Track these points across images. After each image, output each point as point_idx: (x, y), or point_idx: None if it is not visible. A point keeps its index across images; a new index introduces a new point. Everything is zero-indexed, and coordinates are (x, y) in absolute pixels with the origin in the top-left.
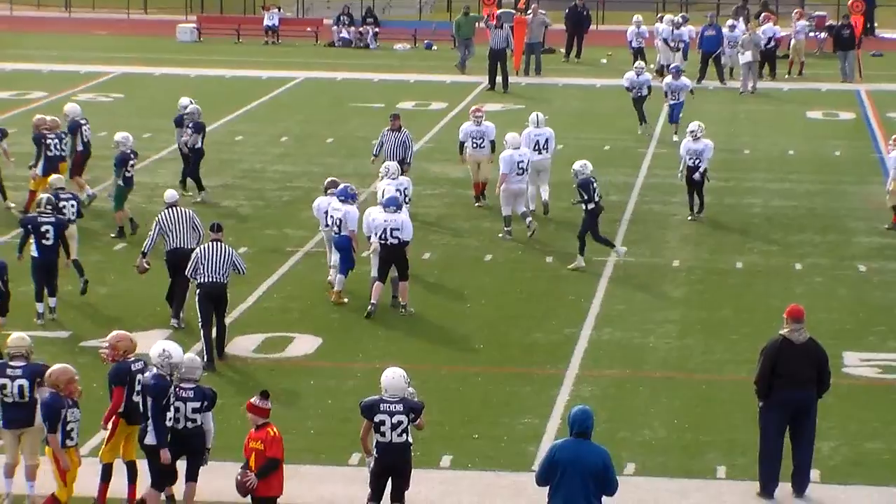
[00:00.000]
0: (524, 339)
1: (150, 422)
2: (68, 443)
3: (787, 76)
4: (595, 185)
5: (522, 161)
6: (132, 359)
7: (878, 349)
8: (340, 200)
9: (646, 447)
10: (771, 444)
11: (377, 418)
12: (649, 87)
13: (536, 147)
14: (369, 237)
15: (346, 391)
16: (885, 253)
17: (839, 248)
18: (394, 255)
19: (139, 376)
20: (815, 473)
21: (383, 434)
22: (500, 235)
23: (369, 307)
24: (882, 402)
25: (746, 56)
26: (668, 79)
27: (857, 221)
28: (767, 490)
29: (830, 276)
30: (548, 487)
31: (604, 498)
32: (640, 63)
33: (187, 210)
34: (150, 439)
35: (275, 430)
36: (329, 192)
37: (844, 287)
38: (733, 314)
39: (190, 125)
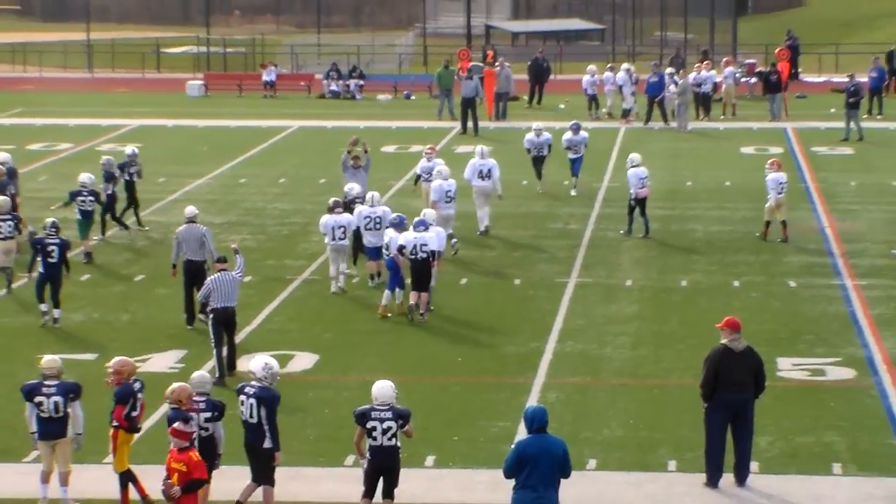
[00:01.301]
0: (497, 352)
1: (266, 428)
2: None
3: (721, 117)
4: None
5: (451, 190)
6: (132, 380)
7: (808, 355)
8: (394, 226)
9: (605, 445)
10: (715, 440)
11: (369, 424)
12: (549, 147)
13: (481, 175)
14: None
15: (341, 401)
16: (812, 270)
17: (771, 267)
18: (422, 268)
19: (139, 394)
20: (754, 465)
21: (375, 438)
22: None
23: (409, 315)
24: (812, 401)
25: (680, 99)
26: (568, 134)
27: (787, 244)
28: (713, 481)
29: (764, 292)
30: (513, 479)
31: None
32: (538, 124)
33: (201, 227)
34: (267, 444)
35: (196, 454)
36: (336, 210)
37: (777, 301)
38: (679, 327)
39: (105, 174)
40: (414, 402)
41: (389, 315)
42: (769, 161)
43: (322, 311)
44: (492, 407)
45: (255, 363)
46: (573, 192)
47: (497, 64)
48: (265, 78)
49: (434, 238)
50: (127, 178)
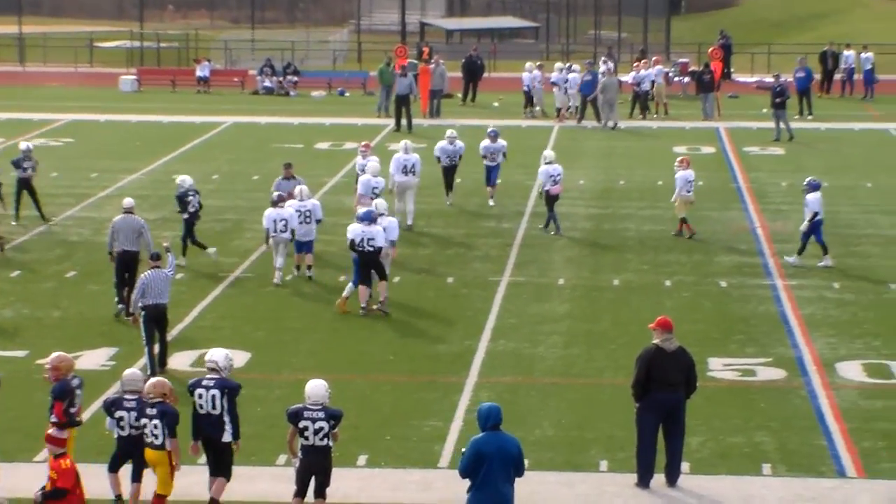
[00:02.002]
0: (429, 350)
1: (227, 419)
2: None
3: (654, 115)
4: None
5: (377, 187)
6: (71, 376)
7: (738, 355)
8: (370, 222)
9: (537, 445)
10: (646, 440)
11: (301, 424)
12: (461, 156)
13: (405, 170)
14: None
15: (274, 399)
16: (743, 270)
17: (703, 267)
18: (370, 261)
19: (77, 391)
20: (685, 465)
21: (307, 438)
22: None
23: (360, 311)
24: (742, 401)
25: (605, 97)
26: (486, 142)
27: (718, 243)
28: (644, 481)
29: (695, 292)
30: (469, 478)
31: None
32: (451, 131)
33: (139, 218)
34: (227, 436)
35: (69, 461)
36: (279, 205)
37: (708, 301)
38: (611, 326)
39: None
40: (346, 401)
41: (349, 311)
42: (678, 159)
43: (254, 308)
44: (424, 406)
45: (216, 354)
46: (491, 203)
47: (432, 61)
48: (199, 73)
49: (380, 232)
50: (22, 173)
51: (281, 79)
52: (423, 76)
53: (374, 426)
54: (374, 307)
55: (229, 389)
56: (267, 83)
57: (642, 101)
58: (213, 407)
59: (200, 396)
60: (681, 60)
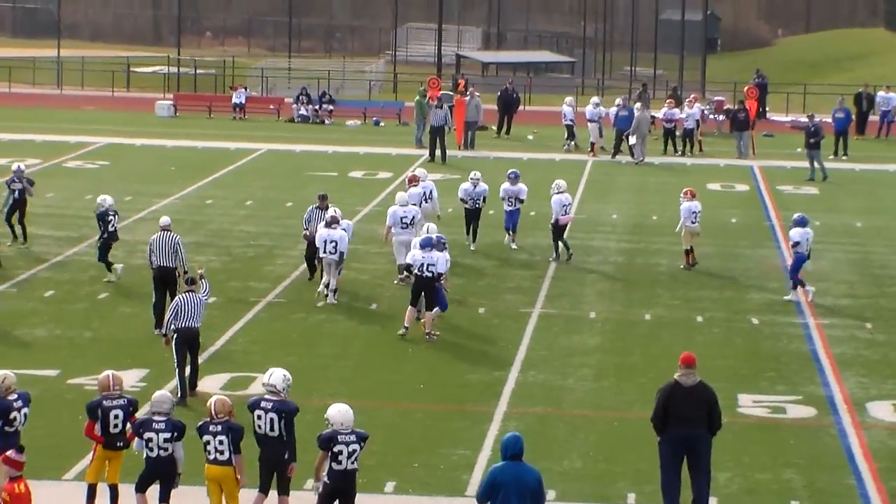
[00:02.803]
0: (459, 379)
1: (286, 440)
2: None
3: (689, 153)
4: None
5: (406, 217)
6: (14, 396)
7: (768, 392)
8: (431, 248)
9: (565, 476)
10: (668, 475)
11: (336, 448)
12: (485, 199)
13: (424, 198)
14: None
15: (304, 425)
16: (774, 308)
17: (735, 304)
18: (426, 286)
19: (15, 413)
20: (713, 500)
21: (340, 462)
22: (396, 282)
23: (402, 330)
24: (771, 438)
25: (638, 132)
26: (506, 184)
27: (750, 280)
28: None
29: (727, 328)
30: None
31: None
32: (475, 173)
33: (175, 235)
34: (287, 455)
35: (24, 486)
36: (332, 226)
37: (739, 337)
38: (642, 360)
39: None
40: (375, 428)
41: (437, 334)
42: (684, 190)
43: (286, 333)
44: (453, 435)
45: (275, 377)
46: (514, 246)
47: (467, 93)
48: (235, 100)
49: (441, 258)
50: (12, 194)
51: (316, 107)
52: (459, 108)
53: (402, 453)
54: (426, 337)
55: (286, 413)
56: (302, 111)
57: (686, 137)
58: (272, 429)
59: (259, 418)
60: (716, 98)
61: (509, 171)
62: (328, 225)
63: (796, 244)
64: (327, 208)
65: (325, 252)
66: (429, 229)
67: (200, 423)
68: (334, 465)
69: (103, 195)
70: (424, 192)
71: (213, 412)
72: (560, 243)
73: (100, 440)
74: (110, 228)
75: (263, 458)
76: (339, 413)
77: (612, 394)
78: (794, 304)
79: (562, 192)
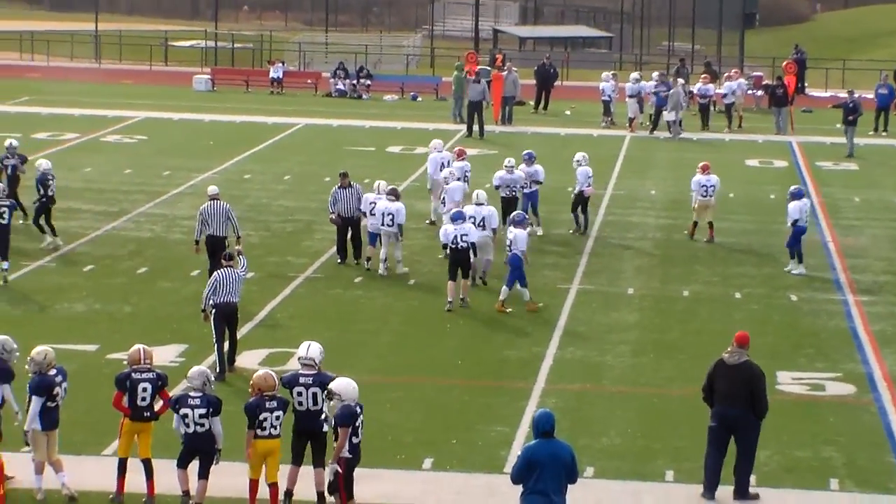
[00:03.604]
0: (497, 356)
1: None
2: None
3: (726, 129)
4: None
5: (444, 159)
6: (53, 371)
7: (807, 369)
8: (515, 225)
9: (603, 453)
10: (711, 451)
11: (357, 423)
12: (521, 186)
13: (441, 168)
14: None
15: None
16: (813, 285)
17: (773, 280)
18: (462, 259)
19: (58, 389)
20: (752, 478)
21: (358, 435)
22: (441, 256)
23: (447, 305)
24: (811, 415)
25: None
26: (501, 172)
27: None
28: (708, 491)
29: (766, 304)
30: (521, 485)
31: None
32: (510, 160)
33: (224, 203)
34: (326, 427)
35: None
36: (388, 197)
37: (778, 314)
38: (680, 336)
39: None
40: (413, 403)
41: (509, 310)
42: (700, 163)
43: (324, 309)
44: (491, 411)
45: (312, 350)
46: (539, 232)
47: (505, 68)
48: (272, 74)
49: (472, 228)
50: (7, 170)
51: (354, 82)
52: (496, 83)
53: (440, 430)
54: (461, 304)
55: (327, 385)
56: (340, 86)
57: (703, 114)
58: (314, 403)
59: (300, 394)
60: (754, 74)
61: (525, 153)
62: (388, 196)
63: (795, 221)
64: (350, 186)
65: (383, 224)
66: (478, 196)
67: (253, 399)
68: (353, 440)
69: (40, 160)
70: (442, 163)
71: (262, 387)
72: (583, 214)
73: (126, 412)
74: (49, 192)
75: (299, 431)
76: (349, 386)
77: (650, 370)
78: (833, 281)
79: (584, 165)
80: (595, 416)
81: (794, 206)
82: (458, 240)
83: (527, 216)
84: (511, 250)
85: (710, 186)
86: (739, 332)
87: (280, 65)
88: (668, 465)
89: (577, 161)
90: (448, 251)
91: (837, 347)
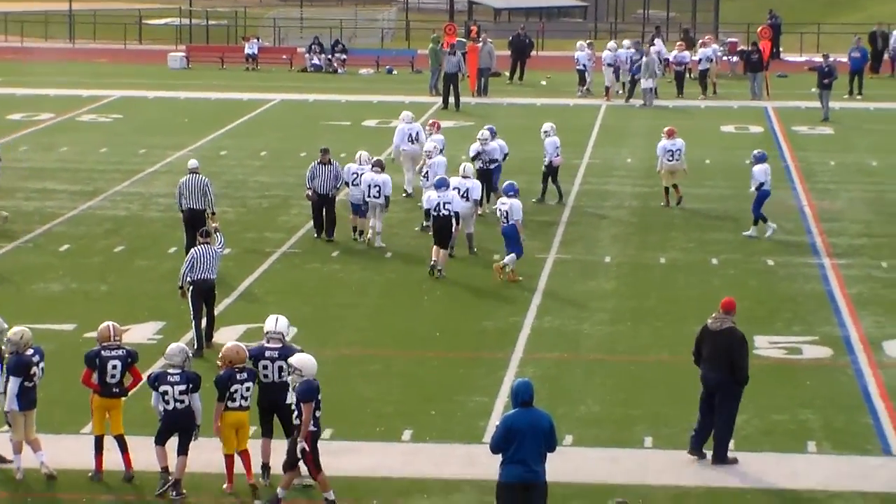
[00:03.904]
0: (475, 326)
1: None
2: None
3: (700, 96)
4: None
5: (412, 131)
6: (30, 351)
7: (784, 333)
8: (507, 195)
9: (582, 421)
10: (700, 414)
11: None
12: (495, 159)
13: (410, 139)
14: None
15: (319, 375)
16: (789, 249)
17: (750, 245)
18: (444, 226)
19: (35, 369)
20: (731, 442)
21: (320, 409)
22: (417, 229)
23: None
24: (788, 379)
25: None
26: (476, 145)
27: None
28: (693, 449)
29: (742, 270)
30: (500, 454)
31: None
32: (484, 132)
33: (203, 177)
34: (289, 398)
35: None
36: (374, 169)
37: (755, 279)
38: (658, 303)
39: None
40: (391, 377)
41: (520, 278)
42: (665, 128)
43: (301, 284)
44: (469, 382)
45: (280, 324)
46: (480, 212)
47: (480, 40)
48: (247, 51)
49: (456, 197)
50: None
51: (329, 56)
52: (472, 54)
53: (418, 401)
54: (437, 273)
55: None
56: (315, 61)
57: (700, 79)
58: (279, 376)
59: (265, 367)
60: (729, 40)
61: (486, 126)
62: (373, 168)
63: (761, 184)
64: (330, 163)
65: (369, 196)
66: (465, 168)
67: (224, 371)
68: (316, 413)
69: None
70: (410, 134)
71: (234, 360)
72: (554, 184)
73: (96, 388)
74: None
75: (264, 403)
76: (309, 362)
77: (628, 338)
78: (809, 245)
79: (551, 135)
80: (573, 385)
81: (759, 169)
82: (441, 207)
83: (517, 187)
84: (508, 221)
85: (676, 150)
86: (726, 297)
87: (255, 41)
88: (646, 431)
89: (545, 131)
90: (430, 218)
91: (814, 311)
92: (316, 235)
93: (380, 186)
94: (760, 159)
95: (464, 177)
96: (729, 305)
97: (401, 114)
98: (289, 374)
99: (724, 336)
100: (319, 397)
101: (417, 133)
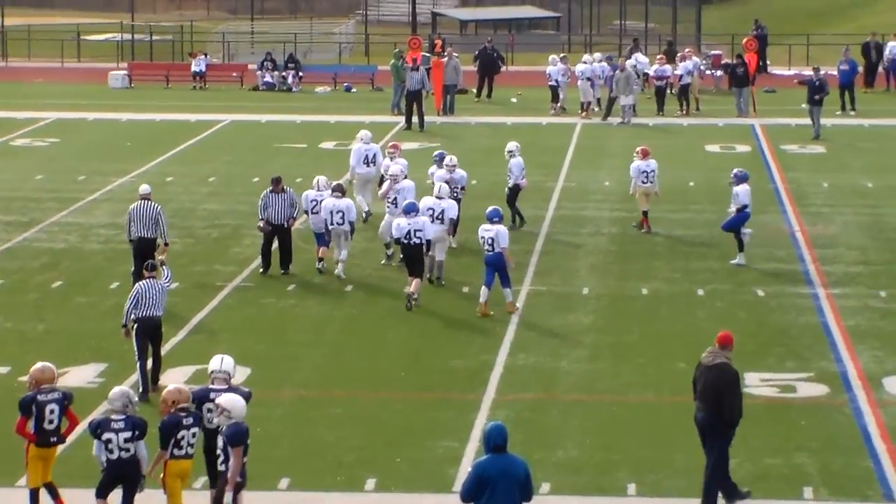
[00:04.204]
0: (443, 365)
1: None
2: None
3: (677, 112)
4: None
5: (370, 152)
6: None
7: (777, 369)
8: (493, 222)
9: (560, 467)
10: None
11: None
12: (462, 188)
13: (366, 161)
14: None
15: (274, 419)
16: (781, 278)
17: (738, 275)
18: (415, 255)
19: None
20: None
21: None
22: (382, 262)
23: (408, 301)
24: (781, 419)
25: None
26: (442, 172)
27: (754, 248)
28: (727, 496)
29: (730, 301)
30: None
31: None
32: (451, 158)
33: (155, 204)
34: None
35: None
36: (334, 194)
37: (744, 311)
38: (640, 339)
39: None
40: (353, 420)
41: (491, 313)
42: (638, 148)
43: (254, 320)
44: (438, 425)
45: (227, 363)
46: (454, 244)
47: (445, 54)
48: (194, 68)
49: (427, 223)
50: None
51: (283, 73)
52: (436, 70)
53: (383, 447)
54: (414, 302)
55: (245, 399)
56: (267, 78)
57: (682, 95)
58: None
59: (211, 411)
60: (713, 52)
61: (435, 154)
62: (333, 193)
63: (745, 206)
64: (283, 191)
65: (332, 223)
66: (441, 189)
67: (169, 416)
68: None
69: None
70: (367, 155)
71: (178, 400)
72: (513, 210)
73: (32, 438)
74: None
75: (211, 450)
76: (238, 403)
77: (608, 376)
78: (802, 274)
79: (519, 155)
80: (550, 428)
81: (744, 190)
82: (412, 235)
83: (501, 213)
84: (493, 249)
85: (651, 172)
86: (722, 331)
87: (202, 57)
88: (629, 477)
89: (510, 151)
90: (401, 247)
91: (809, 345)
92: (262, 271)
93: (343, 212)
94: (743, 179)
95: (438, 197)
96: (724, 340)
97: (360, 133)
98: (215, 416)
99: (715, 372)
100: (248, 442)
101: (375, 155)
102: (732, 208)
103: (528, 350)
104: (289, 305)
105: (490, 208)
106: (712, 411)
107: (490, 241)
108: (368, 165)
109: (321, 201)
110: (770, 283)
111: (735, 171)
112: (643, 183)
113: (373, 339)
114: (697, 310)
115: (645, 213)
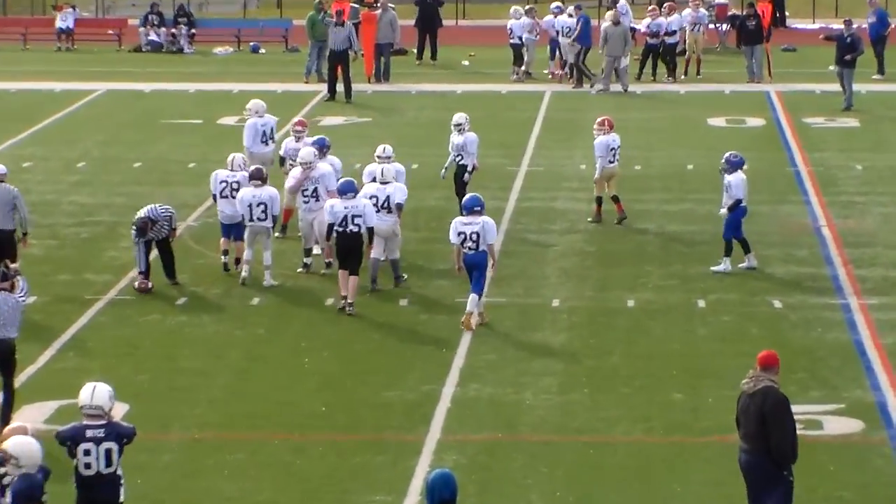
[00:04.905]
0: (375, 398)
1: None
2: None
3: (682, 77)
4: None
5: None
6: None
7: (799, 400)
8: (475, 212)
9: None
10: None
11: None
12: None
13: (263, 139)
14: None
15: (161, 468)
16: (803, 286)
17: (749, 281)
18: (353, 247)
19: None
20: None
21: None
22: (298, 270)
23: (341, 303)
24: (805, 463)
25: (609, 50)
26: (372, 166)
27: (770, 248)
28: None
29: (740, 315)
30: None
31: None
32: (387, 147)
33: (12, 188)
34: (123, 497)
35: None
36: (253, 181)
37: (757, 327)
38: (625, 362)
39: None
40: (260, 468)
41: (488, 320)
42: (598, 119)
43: (136, 342)
44: (367, 474)
45: (99, 394)
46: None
47: (378, 5)
48: (59, 24)
49: (369, 207)
50: None
51: (172, 30)
52: (367, 26)
53: (299, 501)
54: (346, 306)
55: (127, 438)
56: (153, 36)
57: (667, 56)
58: (109, 464)
59: (88, 453)
60: (717, 2)
61: (315, 140)
62: (252, 181)
63: (739, 201)
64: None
65: (252, 219)
66: (383, 172)
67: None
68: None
69: None
70: (265, 131)
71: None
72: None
73: None
74: None
75: None
76: (30, 447)
77: (584, 410)
78: (830, 280)
79: (468, 130)
80: (510, 476)
81: (738, 180)
82: (349, 221)
83: (483, 202)
84: (479, 247)
85: (618, 148)
86: (764, 350)
87: (70, 11)
88: None
89: (458, 125)
90: (336, 236)
91: (838, 369)
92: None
93: (266, 204)
94: (738, 165)
95: (382, 183)
96: (767, 360)
97: (249, 103)
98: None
99: (757, 399)
100: (45, 499)
101: (272, 129)
102: (724, 206)
103: (482, 378)
104: (179, 324)
105: (468, 196)
106: (759, 450)
107: (475, 237)
108: (267, 144)
109: (234, 185)
110: (790, 291)
111: (728, 154)
112: (610, 163)
113: (285, 367)
114: (698, 326)
115: (615, 199)
